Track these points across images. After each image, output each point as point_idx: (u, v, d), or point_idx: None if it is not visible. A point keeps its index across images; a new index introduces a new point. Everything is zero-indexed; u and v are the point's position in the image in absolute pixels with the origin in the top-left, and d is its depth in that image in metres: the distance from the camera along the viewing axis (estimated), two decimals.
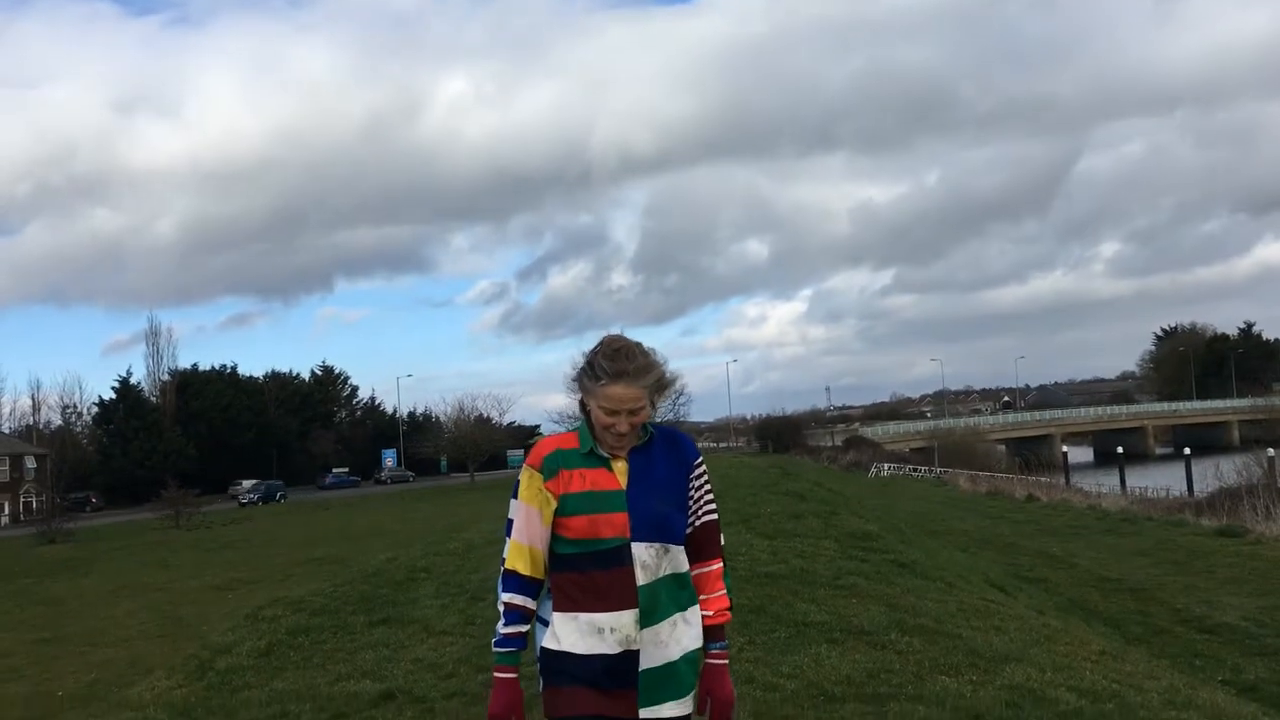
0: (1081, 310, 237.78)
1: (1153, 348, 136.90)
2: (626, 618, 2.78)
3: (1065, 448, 79.97)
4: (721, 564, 2.99)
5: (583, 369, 2.90)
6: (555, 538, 2.84)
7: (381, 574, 12.33)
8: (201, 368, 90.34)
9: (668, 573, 2.84)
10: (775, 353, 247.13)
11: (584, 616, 2.79)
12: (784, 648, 7.03)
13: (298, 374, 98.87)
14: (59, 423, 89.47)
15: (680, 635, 2.85)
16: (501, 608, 2.85)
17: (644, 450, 2.91)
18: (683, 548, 2.89)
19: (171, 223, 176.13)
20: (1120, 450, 72.64)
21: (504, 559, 2.86)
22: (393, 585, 11.18)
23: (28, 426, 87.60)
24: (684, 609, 2.87)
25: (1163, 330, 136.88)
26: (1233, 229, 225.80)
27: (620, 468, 2.86)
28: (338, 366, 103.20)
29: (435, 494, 64.97)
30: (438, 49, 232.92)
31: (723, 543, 3.02)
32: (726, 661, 2.98)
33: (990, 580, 13.11)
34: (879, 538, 13.14)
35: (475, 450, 78.79)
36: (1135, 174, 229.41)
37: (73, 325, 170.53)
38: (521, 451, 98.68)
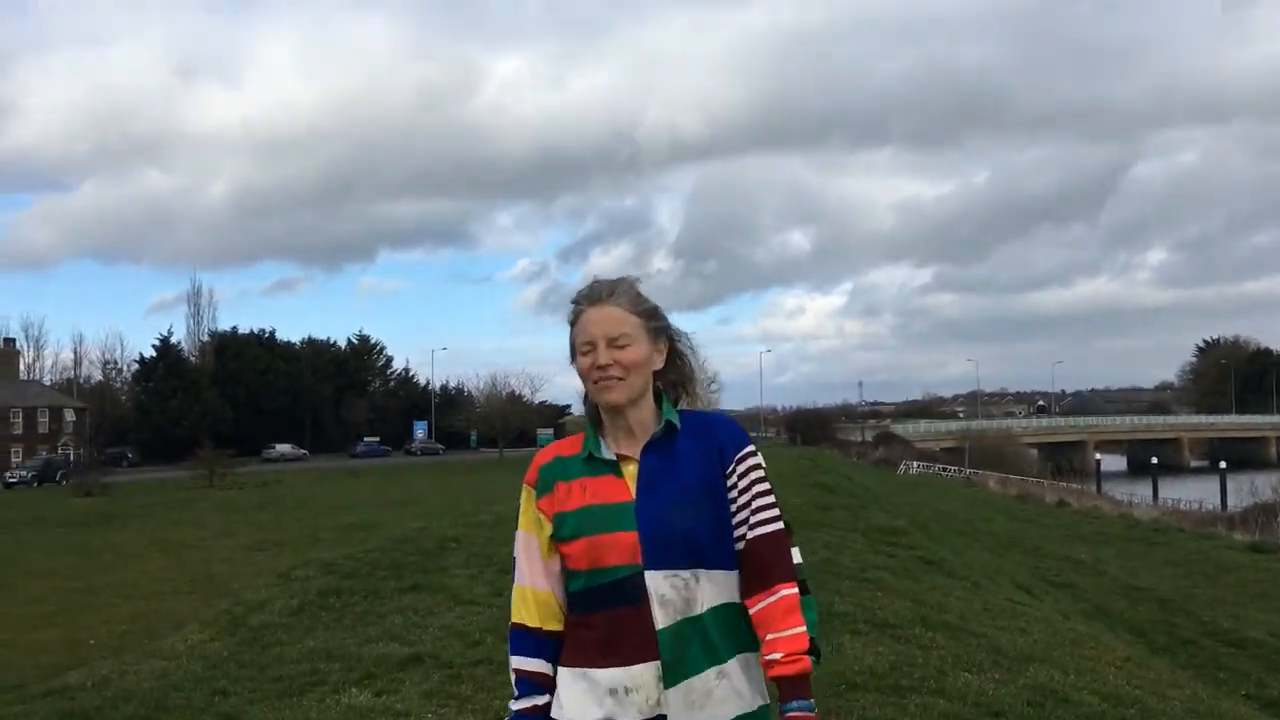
0: (1123, 318, 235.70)
1: (1194, 359, 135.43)
2: (645, 674, 2.11)
3: (1098, 455, 79.40)
4: (794, 590, 2.16)
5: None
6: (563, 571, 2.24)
7: (412, 542, 12.49)
8: (241, 331, 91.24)
9: (704, 608, 2.15)
10: (810, 345, 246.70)
11: (595, 674, 2.14)
12: None
13: (334, 341, 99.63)
14: (99, 378, 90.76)
15: (726, 695, 2.14)
16: (512, 675, 2.24)
17: (661, 446, 2.21)
18: (729, 573, 2.17)
19: (222, 187, 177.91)
20: (1154, 461, 71.96)
21: (510, 608, 2.27)
22: (422, 553, 11.33)
23: (68, 380, 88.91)
24: (728, 658, 2.15)
25: (1205, 342, 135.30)
26: None
27: (631, 472, 2.19)
28: (374, 336, 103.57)
29: (465, 468, 65.39)
30: (495, 26, 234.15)
31: (797, 561, 2.23)
32: None
33: (1016, 582, 13.10)
34: (906, 534, 13.16)
35: (505, 426, 79.21)
36: (1188, 183, 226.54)
37: (118, 283, 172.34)
38: (551, 431, 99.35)
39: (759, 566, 2.17)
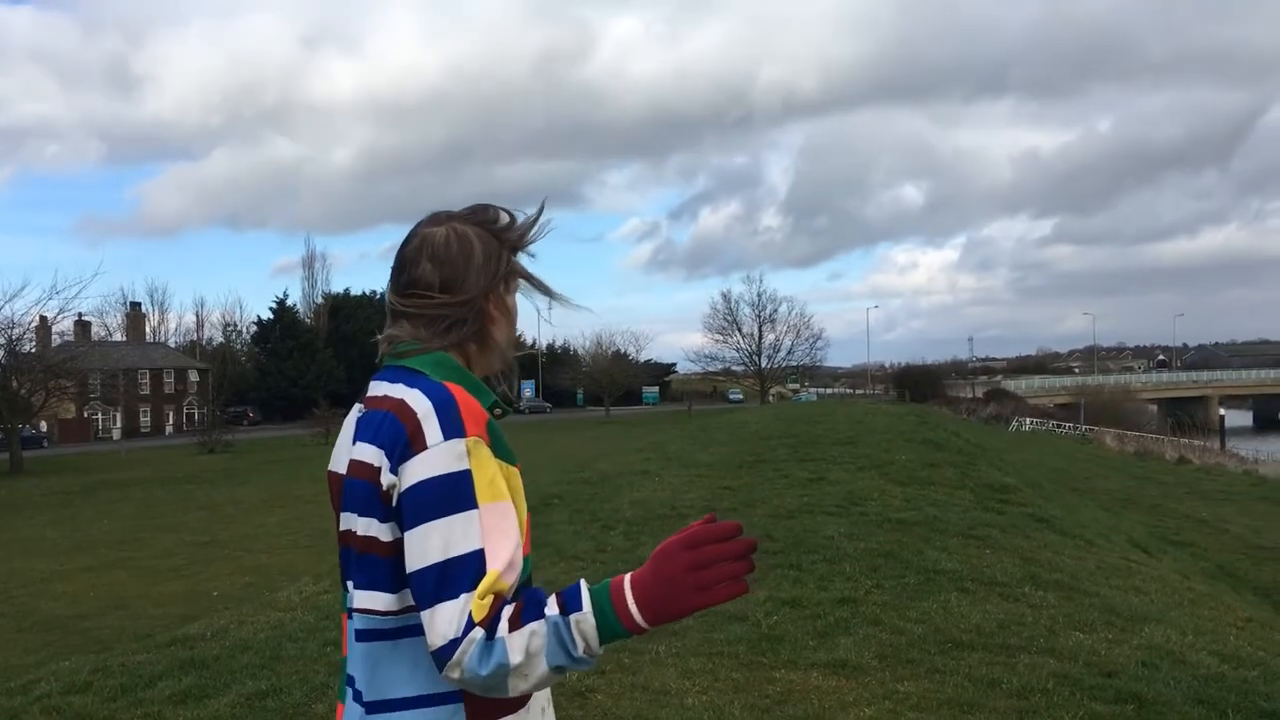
0: (1252, 268, 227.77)
1: None
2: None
3: (1222, 411, 76.44)
4: None
5: (492, 224, 1.75)
6: None
7: None
8: (353, 293, 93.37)
9: None
10: (920, 300, 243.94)
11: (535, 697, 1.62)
12: (913, 593, 6.98)
13: None
14: (220, 340, 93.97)
15: None
16: (518, 679, 1.45)
17: None
18: None
19: (344, 153, 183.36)
20: None
21: (465, 621, 1.44)
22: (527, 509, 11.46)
23: (191, 342, 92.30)
24: None
25: None
26: None
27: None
28: None
29: (571, 425, 66.12)
30: None
31: None
32: None
33: (1133, 540, 12.72)
34: (1017, 491, 12.85)
35: (611, 384, 79.87)
36: None
37: (240, 248, 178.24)
38: (656, 389, 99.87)
39: None
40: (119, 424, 73.99)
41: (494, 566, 1.48)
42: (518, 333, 1.72)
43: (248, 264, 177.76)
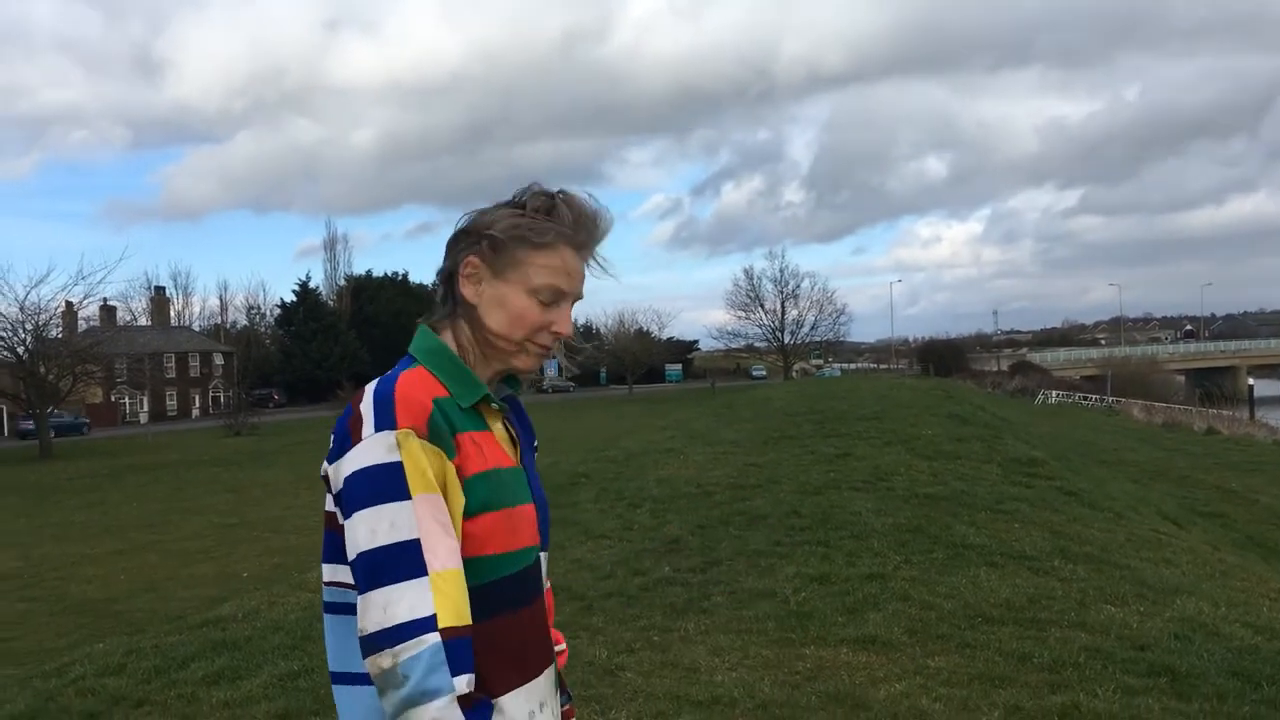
0: None
1: None
2: (547, 683, 1.67)
3: (1251, 380, 75.70)
4: None
5: (510, 212, 1.64)
6: None
7: (543, 478, 12.67)
8: (375, 274, 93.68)
9: None
10: (944, 274, 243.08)
11: (505, 701, 1.55)
12: (941, 568, 6.95)
13: None
14: (244, 323, 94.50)
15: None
16: (453, 713, 1.40)
17: (513, 400, 1.79)
18: None
19: (366, 134, 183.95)
20: None
21: (418, 615, 1.42)
22: (553, 489, 11.49)
23: (215, 325, 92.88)
24: None
25: None
26: None
27: (500, 431, 1.67)
28: None
29: (594, 404, 66.21)
30: None
31: None
32: None
33: (1162, 513, 12.63)
34: (1044, 464, 12.77)
35: (634, 362, 79.92)
36: None
37: (263, 231, 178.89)
38: (679, 367, 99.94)
39: None
40: (146, 408, 74.59)
41: (439, 568, 1.46)
42: (541, 317, 1.64)
43: (270, 247, 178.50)
